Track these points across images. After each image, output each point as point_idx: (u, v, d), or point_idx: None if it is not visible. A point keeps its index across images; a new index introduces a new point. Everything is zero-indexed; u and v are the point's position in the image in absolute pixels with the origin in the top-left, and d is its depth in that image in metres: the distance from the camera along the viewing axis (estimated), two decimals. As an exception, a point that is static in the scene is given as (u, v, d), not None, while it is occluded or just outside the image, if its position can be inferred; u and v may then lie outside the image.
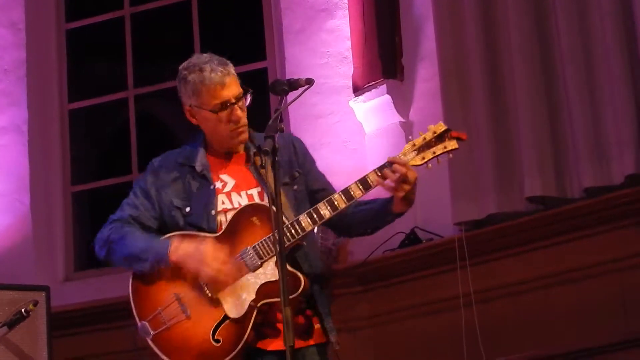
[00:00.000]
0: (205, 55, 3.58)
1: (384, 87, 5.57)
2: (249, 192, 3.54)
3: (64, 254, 6.32)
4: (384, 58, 5.66)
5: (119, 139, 6.46)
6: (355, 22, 5.78)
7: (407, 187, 3.34)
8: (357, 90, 5.67)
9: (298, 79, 3.47)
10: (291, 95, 3.43)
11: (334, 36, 5.85)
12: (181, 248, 3.44)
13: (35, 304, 5.00)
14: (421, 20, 5.58)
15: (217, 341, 3.41)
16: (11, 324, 4.93)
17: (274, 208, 3.17)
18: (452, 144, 3.39)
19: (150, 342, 3.49)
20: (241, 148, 3.60)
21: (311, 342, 3.50)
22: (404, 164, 3.35)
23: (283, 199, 3.37)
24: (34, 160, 6.34)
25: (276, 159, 3.20)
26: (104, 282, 6.12)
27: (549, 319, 4.87)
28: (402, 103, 5.57)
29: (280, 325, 3.37)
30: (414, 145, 3.40)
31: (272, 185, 3.18)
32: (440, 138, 3.39)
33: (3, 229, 6.23)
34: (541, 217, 5.00)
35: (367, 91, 5.62)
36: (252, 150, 3.55)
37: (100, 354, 5.85)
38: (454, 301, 4.99)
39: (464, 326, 4.92)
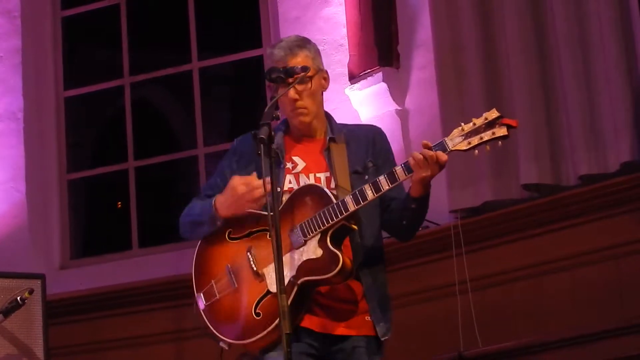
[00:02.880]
0: (292, 35, 3.68)
1: (379, 74, 5.56)
2: (318, 175, 3.56)
3: (60, 242, 6.32)
4: (380, 46, 5.64)
5: (115, 126, 6.45)
6: (351, 10, 5.76)
7: (436, 170, 3.33)
8: (353, 77, 5.66)
9: (294, 67, 3.49)
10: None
11: (329, 24, 5.83)
12: (218, 199, 3.54)
13: (31, 292, 5.00)
14: (417, 7, 5.57)
15: (258, 315, 3.45)
16: (7, 312, 4.93)
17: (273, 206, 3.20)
18: (501, 131, 3.30)
19: (202, 314, 3.57)
20: (320, 133, 3.63)
21: (356, 332, 3.51)
22: (437, 151, 3.32)
23: (350, 187, 3.45)
24: (29, 148, 6.33)
25: (272, 146, 3.22)
26: (100, 269, 6.16)
27: (545, 306, 4.88)
28: (398, 91, 5.57)
29: (317, 305, 3.46)
30: (462, 130, 3.33)
31: (270, 172, 3.20)
32: (490, 125, 3.31)
33: (-1, 217, 6.24)
34: (537, 205, 5.00)
35: (363, 79, 5.61)
36: (329, 135, 3.60)
37: (96, 342, 5.85)
38: (450, 288, 4.99)
39: (460, 313, 4.92)
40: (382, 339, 3.52)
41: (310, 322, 3.48)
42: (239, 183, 3.48)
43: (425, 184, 3.39)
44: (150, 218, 6.33)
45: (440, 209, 5.10)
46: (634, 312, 4.35)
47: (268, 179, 3.31)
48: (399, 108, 5.56)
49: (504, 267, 5.01)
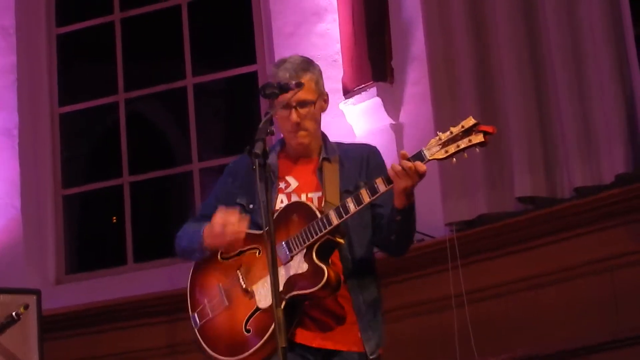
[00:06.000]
0: (295, 56, 3.67)
1: (374, 89, 5.56)
2: (310, 195, 3.58)
3: (55, 257, 6.32)
4: (374, 61, 5.64)
5: (110, 141, 6.45)
6: (344, 26, 5.77)
7: (416, 179, 3.32)
8: (347, 92, 5.66)
9: (288, 82, 3.51)
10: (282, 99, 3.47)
11: (324, 40, 5.84)
12: (205, 230, 3.56)
13: (26, 307, 5.01)
14: (410, 22, 5.57)
15: (248, 331, 3.48)
16: (2, 328, 4.93)
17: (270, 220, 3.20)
18: (477, 138, 3.31)
19: (197, 333, 3.61)
20: (315, 154, 3.64)
21: (347, 348, 3.51)
22: (416, 161, 3.33)
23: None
24: (24, 163, 6.34)
25: (266, 161, 3.22)
26: (95, 285, 6.16)
27: (541, 318, 4.87)
28: (392, 105, 5.56)
29: (309, 319, 3.48)
30: (440, 139, 3.34)
31: (264, 189, 3.18)
32: (467, 132, 3.31)
33: (-6, 233, 6.22)
34: (531, 217, 4.99)
35: (357, 94, 5.61)
36: (322, 156, 3.61)
37: (91, 357, 5.84)
38: (446, 301, 4.98)
39: (456, 326, 4.91)
40: (371, 358, 3.52)
41: (302, 336, 3.49)
42: (218, 219, 3.51)
43: (408, 194, 3.38)
44: (145, 233, 6.32)
45: (436, 221, 5.12)
46: (629, 325, 4.35)
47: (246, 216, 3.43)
48: (394, 122, 5.55)
49: (500, 280, 4.99)
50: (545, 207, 4.96)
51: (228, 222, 3.50)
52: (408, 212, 3.44)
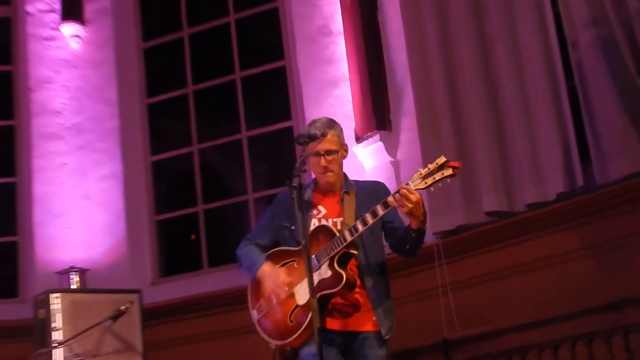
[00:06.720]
0: (323, 117, 3.70)
1: (377, 136, 5.55)
2: (334, 219, 3.59)
3: (150, 265, 6.30)
4: (377, 115, 5.63)
5: (188, 179, 6.49)
6: (354, 91, 5.76)
7: (409, 204, 3.31)
8: (358, 139, 5.64)
9: (315, 133, 3.54)
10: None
11: (339, 101, 5.83)
12: (261, 271, 3.60)
13: (131, 303, 5.01)
14: (402, 86, 5.56)
15: (292, 322, 3.49)
16: (115, 318, 4.97)
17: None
18: (448, 171, 3.30)
19: (256, 324, 3.62)
20: (338, 188, 3.64)
21: (366, 328, 3.51)
22: (407, 189, 3.33)
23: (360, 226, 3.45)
24: (127, 198, 6.35)
25: (302, 192, 3.26)
26: (180, 285, 6.13)
27: (505, 301, 4.83)
28: (391, 147, 5.55)
29: (335, 311, 3.47)
30: (421, 173, 3.35)
31: (301, 215, 3.23)
32: (441, 167, 3.31)
33: (107, 248, 6.23)
34: (496, 226, 4.97)
35: (365, 139, 5.60)
36: (343, 190, 3.62)
37: (178, 338, 5.83)
38: (435, 290, 4.96)
39: (443, 309, 4.89)
40: (385, 337, 3.50)
41: (333, 324, 3.50)
42: (276, 284, 3.54)
43: (415, 217, 3.36)
44: (215, 246, 6.32)
45: (426, 232, 5.06)
46: (568, 305, 4.30)
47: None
48: (392, 160, 5.54)
49: (475, 274, 4.96)
50: (506, 218, 4.95)
51: (275, 285, 3.54)
52: (420, 232, 3.45)
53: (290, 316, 3.51)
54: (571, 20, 4.76)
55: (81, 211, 6.28)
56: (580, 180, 4.69)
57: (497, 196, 4.95)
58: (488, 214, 4.98)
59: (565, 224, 4.72)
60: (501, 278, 4.89)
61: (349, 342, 3.52)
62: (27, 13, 6.62)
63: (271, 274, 3.56)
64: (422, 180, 3.33)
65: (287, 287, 3.53)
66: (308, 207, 3.57)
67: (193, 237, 6.41)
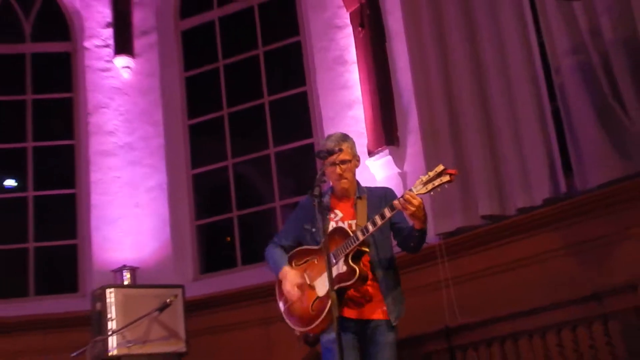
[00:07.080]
0: (337, 132, 3.72)
1: (387, 150, 5.55)
2: (349, 222, 3.59)
3: (192, 264, 6.27)
4: (386, 132, 5.62)
5: (223, 189, 6.52)
6: (366, 111, 5.77)
7: (412, 208, 3.31)
8: (371, 153, 5.63)
9: (333, 149, 3.56)
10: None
11: (354, 120, 5.82)
12: (282, 273, 3.61)
13: (175, 296, 5.04)
14: (408, 106, 5.55)
15: (313, 311, 3.48)
16: (161, 310, 4.98)
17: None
18: (446, 178, 3.26)
19: (282, 313, 3.62)
20: (352, 194, 3.64)
21: (377, 317, 3.51)
22: (410, 194, 3.33)
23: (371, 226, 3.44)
24: (171, 206, 6.33)
25: (322, 199, 3.29)
26: (218, 281, 6.12)
27: (499, 293, 4.78)
28: (398, 160, 5.54)
29: (350, 301, 3.46)
30: (422, 180, 3.33)
31: (321, 219, 3.26)
32: (439, 174, 3.28)
33: (154, 250, 6.25)
34: (490, 228, 4.94)
35: (377, 154, 5.59)
36: (357, 195, 3.61)
37: (214, 327, 5.83)
38: (438, 284, 4.95)
39: (445, 300, 4.86)
40: (394, 324, 3.51)
41: (348, 313, 3.50)
42: (291, 284, 3.55)
43: (417, 218, 3.37)
44: (248, 247, 6.35)
45: (429, 233, 5.04)
46: (554, 296, 4.28)
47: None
48: (400, 171, 5.54)
49: (472, 270, 4.94)
50: (499, 221, 4.92)
51: (290, 287, 3.54)
52: (422, 231, 3.46)
53: (311, 306, 3.52)
54: (554, 49, 4.78)
55: (132, 217, 6.30)
56: (563, 188, 4.68)
57: (491, 202, 4.94)
58: (483, 217, 4.97)
59: (550, 225, 4.71)
60: (496, 273, 4.87)
61: (363, 328, 3.53)
62: (85, 48, 6.71)
63: (287, 276, 3.58)
64: (423, 186, 3.33)
65: (301, 286, 3.54)
66: (327, 211, 3.58)
67: (228, 239, 6.43)
